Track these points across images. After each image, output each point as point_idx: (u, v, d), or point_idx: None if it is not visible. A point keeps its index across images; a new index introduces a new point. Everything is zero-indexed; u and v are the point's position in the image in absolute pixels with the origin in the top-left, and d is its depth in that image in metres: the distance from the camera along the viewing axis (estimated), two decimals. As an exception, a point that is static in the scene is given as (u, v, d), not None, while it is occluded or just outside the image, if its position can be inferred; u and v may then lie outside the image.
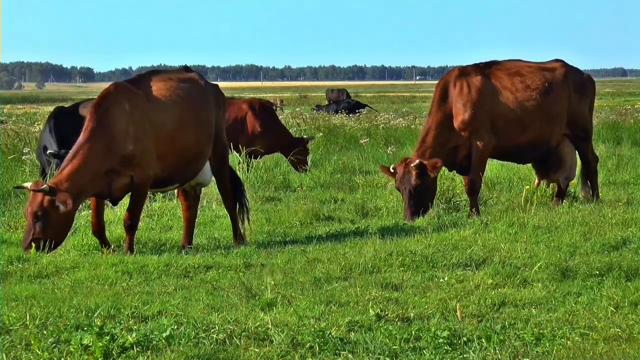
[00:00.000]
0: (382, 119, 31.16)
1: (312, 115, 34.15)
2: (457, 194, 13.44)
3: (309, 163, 18.48)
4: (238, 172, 13.72)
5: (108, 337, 6.14)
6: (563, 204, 12.76)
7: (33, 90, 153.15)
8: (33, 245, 9.57)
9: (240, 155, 17.38)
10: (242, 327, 6.56)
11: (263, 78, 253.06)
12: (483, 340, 6.28)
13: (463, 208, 12.84)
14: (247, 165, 17.27)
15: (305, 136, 20.27)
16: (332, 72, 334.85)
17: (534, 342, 6.31)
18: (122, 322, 6.77)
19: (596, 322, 6.71)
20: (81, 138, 9.86)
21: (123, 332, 6.33)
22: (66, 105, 18.44)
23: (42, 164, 16.07)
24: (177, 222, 12.00)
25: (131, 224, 10.10)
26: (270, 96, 61.28)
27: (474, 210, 12.37)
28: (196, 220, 11.05)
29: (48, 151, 15.48)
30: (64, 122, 15.91)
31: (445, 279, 8.26)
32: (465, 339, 6.34)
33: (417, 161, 12.06)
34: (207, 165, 10.77)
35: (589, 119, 13.52)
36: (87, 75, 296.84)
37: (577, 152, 13.32)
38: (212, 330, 6.50)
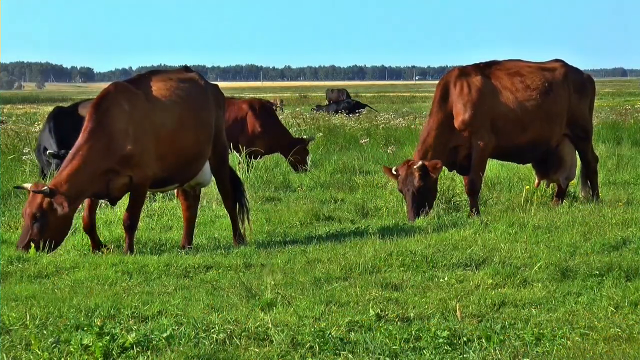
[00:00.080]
0: (382, 119, 31.17)
1: (312, 115, 34.16)
2: (457, 194, 13.45)
3: (308, 163, 18.48)
4: (238, 172, 13.72)
5: (108, 337, 6.14)
6: (563, 204, 12.76)
7: (33, 90, 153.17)
8: (32, 245, 9.57)
9: (240, 155, 17.38)
10: (242, 327, 6.56)
11: (263, 78, 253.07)
12: (483, 340, 6.28)
13: (463, 208, 12.84)
14: (247, 165, 17.27)
15: (305, 136, 20.28)
16: (332, 72, 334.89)
17: (534, 342, 6.31)
18: (122, 322, 6.77)
19: (596, 322, 6.71)
20: (80, 138, 9.86)
21: (123, 332, 6.32)
22: (66, 106, 18.45)
23: (41, 163, 16.08)
24: (177, 222, 12.00)
25: (131, 224, 10.09)
26: (270, 96, 61.28)
27: (474, 210, 12.37)
28: (196, 220, 11.05)
29: (48, 151, 15.50)
30: (64, 122, 15.92)
31: (445, 279, 8.26)
32: (465, 339, 6.34)
33: (420, 163, 12.04)
34: (207, 165, 10.77)
35: (589, 119, 13.53)
36: (87, 75, 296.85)
37: (577, 152, 13.32)
38: (212, 330, 6.50)
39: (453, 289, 7.88)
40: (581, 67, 13.74)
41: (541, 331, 6.49)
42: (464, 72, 12.71)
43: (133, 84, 10.27)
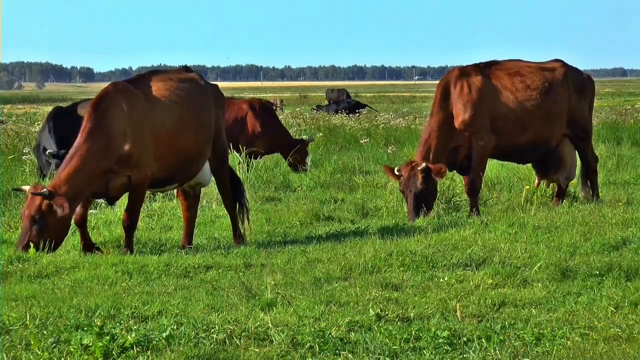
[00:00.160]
0: (382, 119, 31.18)
1: (312, 115, 34.17)
2: (457, 194, 13.44)
3: (308, 164, 18.48)
4: (238, 172, 13.72)
5: (108, 337, 6.14)
6: (563, 204, 12.76)
7: (33, 90, 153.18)
8: (32, 245, 9.57)
9: (240, 155, 17.38)
10: (242, 327, 6.56)
11: (263, 78, 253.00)
12: (483, 340, 6.28)
13: (463, 208, 12.84)
14: (247, 165, 17.27)
15: (305, 137, 20.28)
16: (332, 72, 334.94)
17: (534, 342, 6.31)
18: (122, 322, 6.77)
19: (596, 322, 6.71)
20: (79, 139, 9.86)
21: (123, 332, 6.32)
22: (65, 106, 18.46)
23: (40, 162, 16.11)
24: (177, 222, 12.00)
25: (130, 224, 10.09)
26: (270, 96, 61.29)
27: (474, 210, 12.37)
28: (196, 220, 11.05)
29: (47, 151, 15.51)
30: (63, 122, 15.93)
31: (445, 279, 8.25)
32: (465, 339, 6.34)
33: (424, 165, 12.01)
34: (207, 165, 10.77)
35: (589, 119, 13.53)
36: (87, 75, 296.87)
37: (577, 152, 13.32)
38: (212, 330, 6.50)
39: (453, 289, 7.88)
40: (581, 67, 13.76)
41: (541, 331, 6.49)
42: (464, 72, 12.71)
43: (132, 84, 10.27)
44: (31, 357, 6.05)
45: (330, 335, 6.30)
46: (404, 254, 9.10)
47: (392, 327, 6.59)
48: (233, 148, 17.11)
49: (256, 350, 6.19)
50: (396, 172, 12.26)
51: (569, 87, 13.11)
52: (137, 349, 6.12)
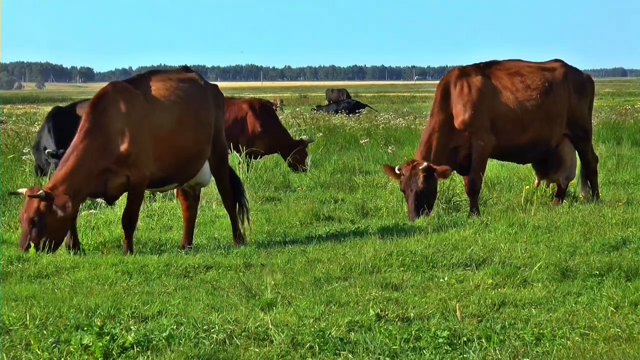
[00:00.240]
0: (382, 119, 31.18)
1: (312, 115, 34.17)
2: (457, 194, 13.45)
3: (308, 164, 18.48)
4: (238, 172, 13.72)
5: (108, 337, 6.14)
6: (563, 204, 12.76)
7: (33, 90, 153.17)
8: (32, 245, 9.57)
9: (240, 155, 17.39)
10: (242, 327, 6.56)
11: (263, 78, 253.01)
12: (483, 340, 6.28)
13: (463, 208, 12.84)
14: (247, 165, 17.28)
15: (305, 137, 20.28)
16: (332, 72, 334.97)
17: (534, 342, 6.31)
18: (122, 322, 6.77)
19: (596, 322, 6.71)
20: (76, 138, 9.85)
21: (123, 332, 6.32)
22: (64, 106, 18.48)
23: (38, 161, 16.14)
24: (177, 222, 12.00)
25: (129, 224, 10.09)
26: (270, 96, 61.29)
27: (474, 210, 12.37)
28: (196, 220, 11.05)
29: (47, 151, 15.52)
30: (62, 122, 15.95)
31: (445, 279, 8.25)
32: (465, 339, 6.34)
33: (425, 164, 12.00)
34: (207, 165, 10.77)
35: (589, 119, 13.54)
36: (87, 75, 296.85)
37: (577, 152, 13.32)
38: (212, 330, 6.50)
39: (453, 289, 7.88)
40: (581, 67, 13.76)
41: (541, 331, 6.49)
42: (464, 72, 12.71)
43: (131, 84, 10.26)
44: (31, 357, 6.05)
45: (330, 335, 6.30)
46: (404, 254, 9.10)
47: (392, 327, 6.59)
48: (233, 148, 17.13)
49: (256, 350, 6.19)
50: (397, 171, 12.24)
51: (569, 87, 13.11)
52: (137, 349, 6.12)
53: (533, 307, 7.27)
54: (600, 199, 13.25)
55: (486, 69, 12.84)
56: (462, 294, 7.68)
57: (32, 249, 9.52)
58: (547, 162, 13.17)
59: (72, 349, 6.08)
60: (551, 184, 13.38)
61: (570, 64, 13.39)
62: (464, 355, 6.08)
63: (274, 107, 22.15)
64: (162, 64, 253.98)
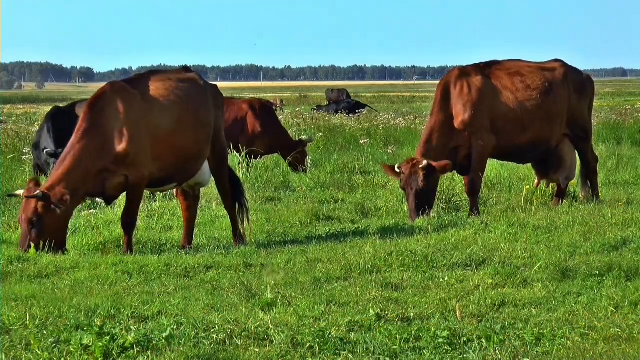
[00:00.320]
0: (382, 119, 31.19)
1: (312, 115, 34.17)
2: (457, 194, 13.44)
3: (308, 164, 18.49)
4: (238, 172, 13.72)
5: (108, 337, 6.14)
6: (563, 204, 12.76)
7: (33, 90, 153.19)
8: (32, 245, 9.57)
9: (240, 155, 17.39)
10: (242, 327, 6.56)
11: (263, 78, 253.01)
12: (483, 340, 6.28)
13: (463, 208, 12.84)
14: (247, 165, 17.28)
15: (304, 137, 20.28)
16: (332, 72, 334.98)
17: (534, 342, 6.31)
18: (122, 322, 6.77)
19: (596, 322, 6.71)
20: (73, 138, 9.85)
21: (123, 332, 6.32)
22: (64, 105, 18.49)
23: (37, 161, 16.14)
24: (177, 222, 12.00)
25: (129, 223, 10.09)
26: (270, 96, 61.30)
27: (474, 210, 12.37)
28: (196, 220, 11.05)
29: (45, 150, 15.53)
30: (61, 122, 15.95)
31: (445, 279, 8.25)
32: (465, 339, 6.34)
33: (425, 162, 11.99)
34: (206, 165, 10.77)
35: (589, 119, 13.54)
36: (87, 75, 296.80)
37: (577, 152, 13.32)
38: (212, 330, 6.50)
39: (453, 289, 7.88)
40: (581, 67, 13.76)
41: (541, 331, 6.49)
42: (464, 72, 12.71)
43: (130, 84, 10.26)
44: (31, 357, 6.05)
45: (330, 335, 6.30)
46: (404, 254, 9.10)
47: (392, 327, 6.58)
48: (233, 148, 17.13)
49: (256, 350, 6.19)
50: (397, 170, 12.23)
51: (569, 87, 13.12)
52: (137, 349, 6.12)
53: (533, 307, 7.27)
54: (600, 199, 13.25)
55: (486, 69, 12.84)
56: (462, 294, 7.68)
57: (32, 249, 9.51)
58: (547, 162, 13.18)
59: (72, 349, 6.08)
60: (551, 184, 13.38)
61: (570, 64, 13.39)
62: (464, 355, 6.08)
63: (274, 107, 22.16)
64: (162, 64, 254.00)
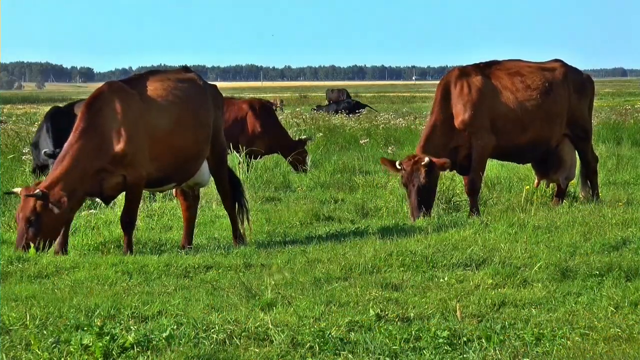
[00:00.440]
0: (382, 119, 31.20)
1: (312, 115, 34.17)
2: (457, 194, 13.44)
3: (308, 164, 18.50)
4: (238, 172, 13.72)
5: (108, 337, 6.14)
6: (563, 204, 12.76)
7: (33, 90, 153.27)
8: (32, 245, 9.57)
9: (240, 155, 17.39)
10: (242, 327, 6.56)
11: (263, 78, 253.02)
12: (483, 340, 6.28)
13: (463, 208, 12.84)
14: (247, 165, 17.28)
15: (304, 137, 20.29)
16: (332, 72, 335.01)
17: (534, 342, 6.31)
18: (122, 322, 6.77)
19: (596, 322, 6.71)
20: (71, 138, 9.85)
21: (123, 332, 6.32)
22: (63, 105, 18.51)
23: (35, 161, 16.17)
24: (177, 222, 12.00)
25: (128, 223, 10.08)
26: (270, 96, 61.31)
27: (474, 210, 12.36)
28: (196, 220, 11.05)
29: (44, 151, 15.55)
30: (60, 122, 15.97)
31: (445, 279, 8.25)
32: (465, 339, 6.34)
33: (427, 159, 11.95)
34: (206, 165, 10.77)
35: (589, 119, 13.54)
36: (87, 75, 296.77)
37: (576, 152, 13.32)
38: (212, 330, 6.50)
39: (453, 289, 7.88)
40: (581, 67, 13.76)
41: (541, 331, 6.49)
42: (464, 72, 12.71)
43: (128, 84, 10.25)
44: (31, 357, 6.05)
45: (330, 335, 6.30)
46: (404, 254, 9.10)
47: (392, 327, 6.58)
48: (233, 148, 17.14)
49: (256, 350, 6.19)
50: (397, 166, 12.17)
51: (569, 87, 13.12)
52: (137, 349, 6.12)
53: (533, 307, 7.27)
54: (600, 199, 13.25)
55: (486, 69, 12.84)
56: (462, 294, 7.67)
57: (32, 249, 9.51)
58: (547, 162, 13.17)
59: (72, 349, 6.08)
60: (551, 184, 13.38)
61: (570, 64, 13.39)
62: (464, 355, 6.08)
63: (274, 107, 22.17)
64: (162, 64, 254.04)
